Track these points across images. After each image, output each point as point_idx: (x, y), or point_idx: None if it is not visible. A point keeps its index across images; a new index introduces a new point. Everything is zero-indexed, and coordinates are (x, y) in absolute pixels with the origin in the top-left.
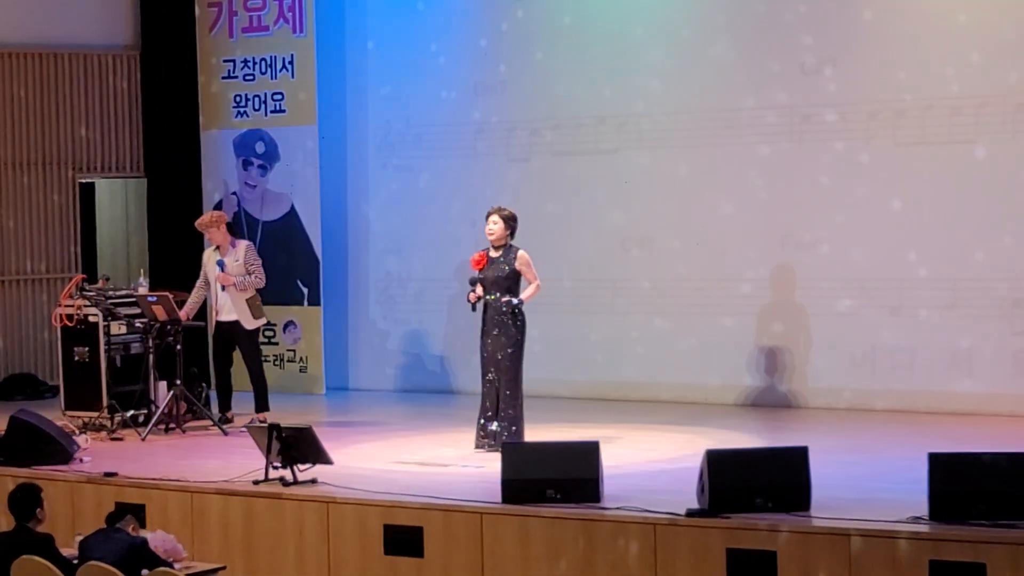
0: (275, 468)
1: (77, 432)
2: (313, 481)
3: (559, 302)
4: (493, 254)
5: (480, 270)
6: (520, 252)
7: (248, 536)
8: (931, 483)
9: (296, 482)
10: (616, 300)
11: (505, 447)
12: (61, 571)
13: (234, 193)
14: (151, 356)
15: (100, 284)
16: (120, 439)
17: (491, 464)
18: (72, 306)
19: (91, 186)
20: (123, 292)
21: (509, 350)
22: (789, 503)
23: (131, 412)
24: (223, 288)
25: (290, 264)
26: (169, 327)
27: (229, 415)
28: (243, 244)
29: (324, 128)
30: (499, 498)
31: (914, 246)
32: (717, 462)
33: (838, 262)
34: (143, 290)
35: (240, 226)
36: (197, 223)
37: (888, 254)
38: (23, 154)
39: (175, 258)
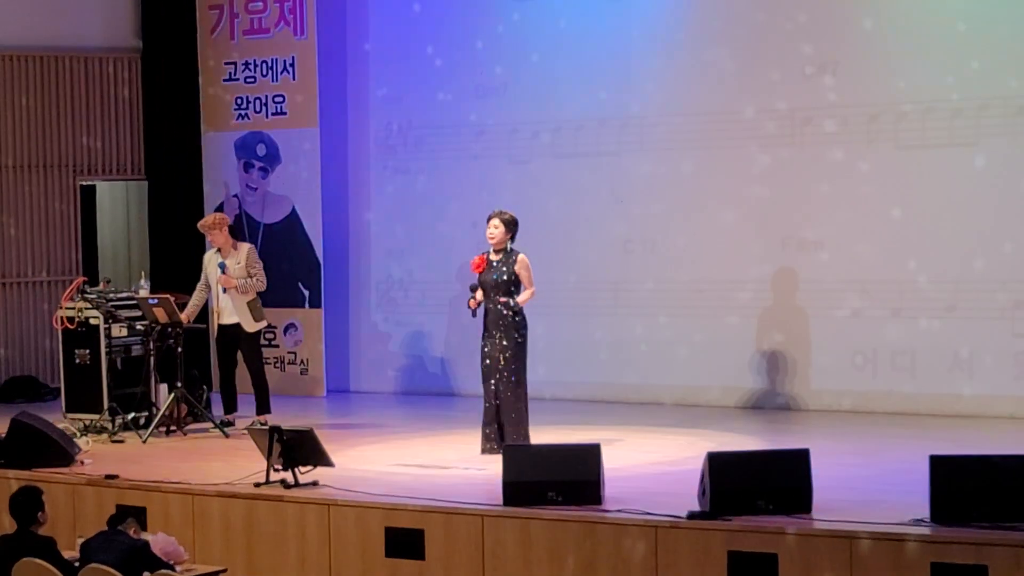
0: (276, 470)
1: (78, 434)
2: (314, 483)
3: (561, 304)
4: (493, 258)
5: (480, 273)
6: (520, 256)
7: (249, 538)
8: (933, 485)
9: (297, 484)
10: (617, 302)
11: (506, 449)
12: (62, 573)
13: (235, 195)
14: (152, 358)
15: (101, 287)
16: (121, 441)
17: (492, 466)
18: (73, 309)
19: (92, 189)
20: (124, 295)
21: (510, 353)
22: (790, 505)
23: (132, 414)
24: (224, 290)
25: (291, 267)
26: (170, 329)
27: (230, 418)
28: (245, 246)
29: (325, 131)
30: (500, 500)
31: (915, 249)
32: (718, 464)
33: (839, 265)
34: (144, 292)
35: (241, 228)
36: (199, 225)
37: (889, 256)
38: (24, 157)
39: (176, 261)
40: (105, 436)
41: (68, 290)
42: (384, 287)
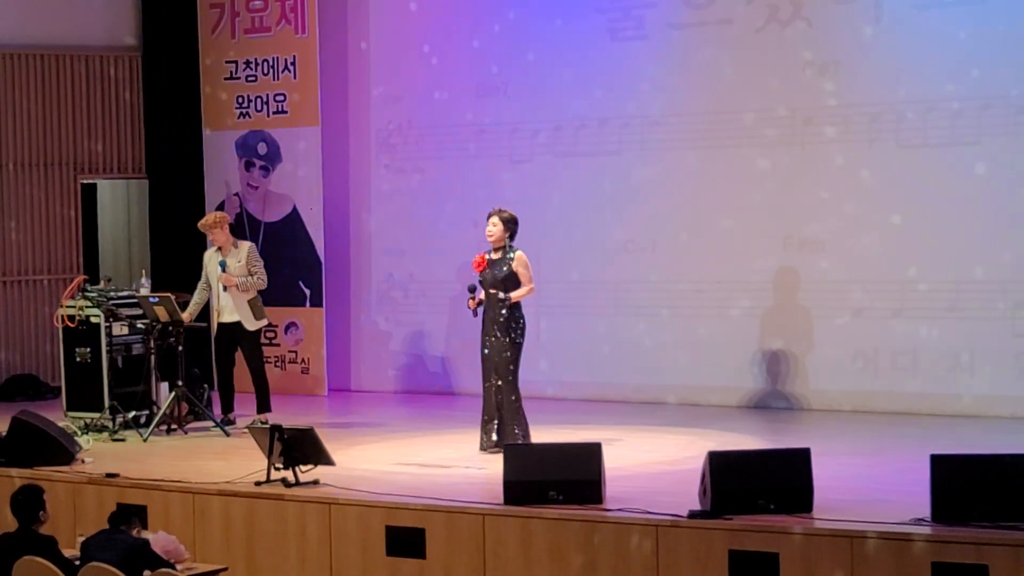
0: (277, 469)
1: (79, 433)
2: (315, 482)
3: (562, 304)
4: (493, 256)
5: (480, 272)
6: (518, 253)
7: (250, 537)
8: (933, 485)
9: (298, 483)
10: (618, 302)
11: (507, 448)
12: (63, 572)
13: (236, 194)
14: (153, 357)
15: (102, 285)
16: (122, 440)
17: (493, 465)
18: (74, 307)
19: (93, 187)
20: (125, 293)
21: (509, 352)
22: (791, 505)
23: (133, 413)
24: (225, 289)
25: (292, 265)
26: (171, 328)
27: (231, 416)
28: (245, 245)
29: (326, 129)
30: (501, 499)
31: (916, 250)
32: (719, 464)
33: (840, 265)
34: (145, 291)
35: (242, 227)
36: (200, 224)
37: (890, 256)
38: (25, 155)
39: (177, 259)
40: (106, 435)
41: (69, 288)
42: (385, 286)
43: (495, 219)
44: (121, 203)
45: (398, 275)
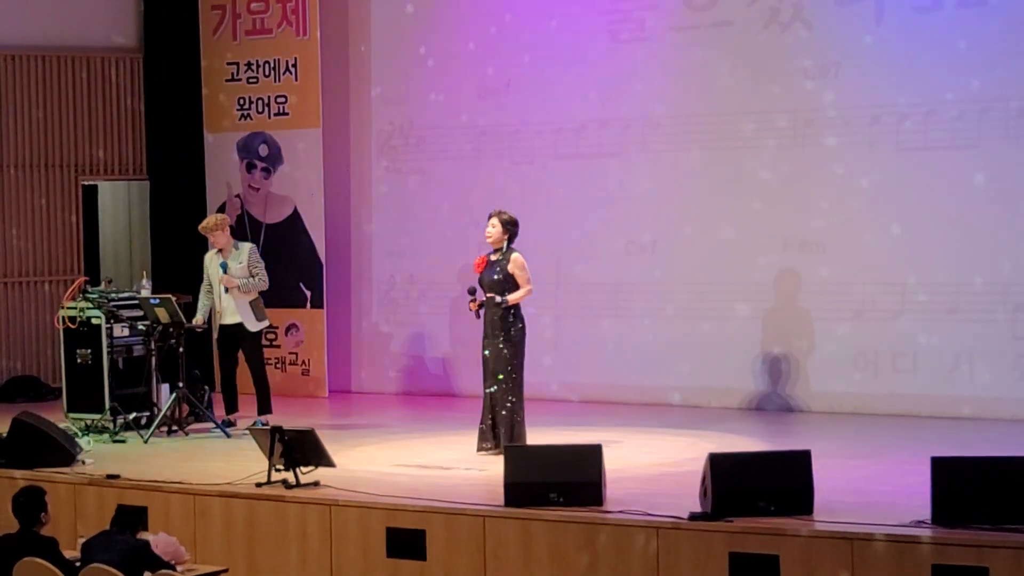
0: (278, 471)
1: (79, 434)
2: (316, 484)
3: (562, 306)
4: (493, 257)
5: (480, 273)
6: (515, 255)
7: (250, 538)
8: (934, 487)
9: (299, 485)
10: (619, 304)
11: (508, 450)
12: (63, 573)
13: (237, 196)
14: (153, 358)
15: (103, 286)
16: (123, 441)
17: (493, 467)
18: (75, 308)
19: (94, 188)
20: (126, 294)
21: (507, 353)
22: (792, 507)
23: (133, 414)
24: (227, 290)
25: (293, 267)
26: (171, 329)
27: (232, 418)
28: (247, 246)
29: (327, 131)
30: (502, 501)
31: (916, 252)
32: (720, 465)
33: (841, 266)
34: (146, 292)
35: (243, 229)
36: (200, 227)
37: (891, 258)
38: (26, 156)
39: (178, 260)
40: (106, 436)
41: (70, 290)
42: (385, 288)
43: (494, 220)
44: (122, 205)
45: (399, 277)
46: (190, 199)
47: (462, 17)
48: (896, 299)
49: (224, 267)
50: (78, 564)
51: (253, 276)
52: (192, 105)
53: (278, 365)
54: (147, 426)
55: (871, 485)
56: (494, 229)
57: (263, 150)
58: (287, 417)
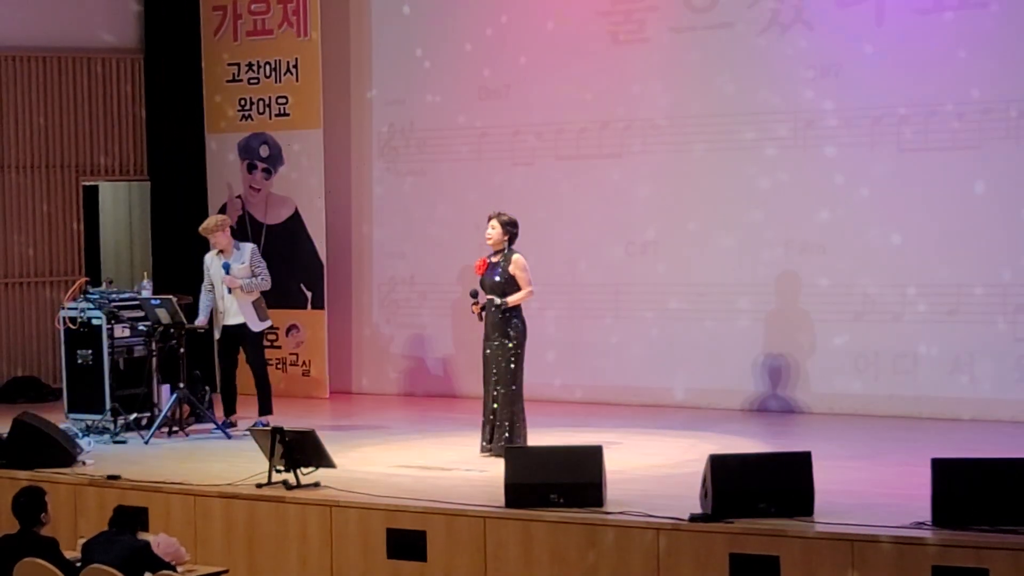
0: (278, 472)
1: (80, 435)
2: (316, 485)
3: (562, 307)
4: (493, 259)
5: (481, 275)
6: (515, 256)
7: (251, 539)
8: (934, 488)
9: (299, 485)
10: (619, 305)
11: (508, 451)
12: (64, 574)
13: (238, 196)
14: (154, 359)
15: (104, 287)
16: (123, 442)
17: (494, 468)
18: (76, 309)
19: (95, 189)
20: (126, 295)
21: (507, 354)
22: (792, 508)
23: (134, 415)
24: (229, 291)
25: (293, 268)
26: (172, 330)
27: (233, 419)
28: (248, 247)
29: (328, 132)
30: (502, 502)
31: (917, 253)
32: (720, 467)
33: (842, 268)
34: (147, 293)
35: (244, 230)
36: (201, 228)
37: (891, 260)
38: (27, 157)
39: (178, 261)
40: (107, 437)
41: (71, 291)
42: (386, 289)
43: (494, 222)
44: (123, 205)
45: (400, 278)
46: (191, 200)
47: (458, 18)
48: (896, 301)
49: (226, 268)
50: (78, 564)
51: (255, 276)
52: (193, 106)
53: (279, 366)
54: (148, 427)
55: (871, 487)
56: (494, 231)
57: (264, 151)
58: (288, 418)
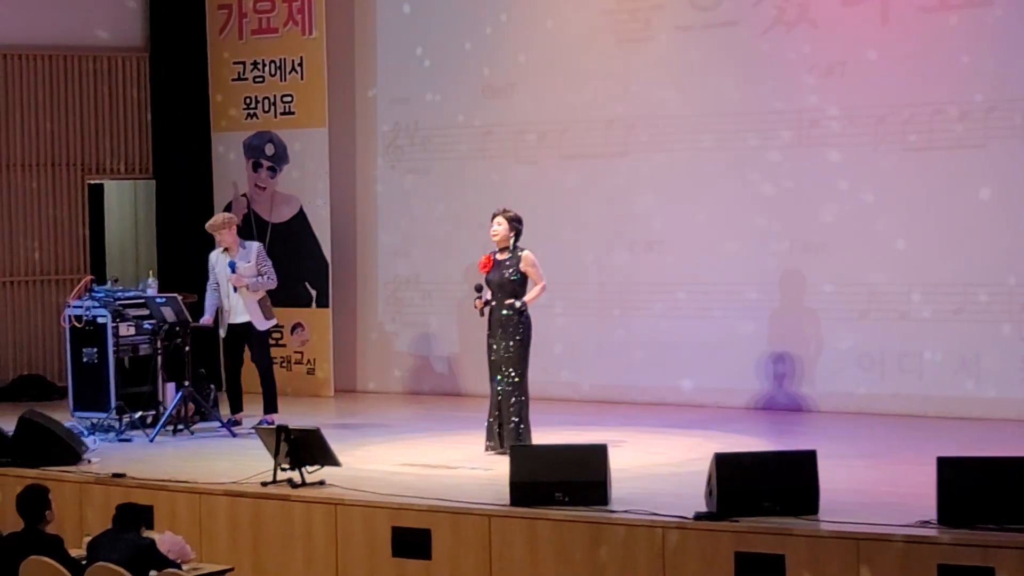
0: (283, 470)
1: (85, 433)
2: (321, 483)
3: (566, 305)
4: (499, 256)
5: (487, 273)
6: (525, 253)
7: (256, 538)
8: (940, 487)
9: (304, 484)
10: (624, 303)
11: (513, 450)
12: (69, 572)
13: (244, 195)
14: (159, 357)
15: (109, 285)
16: (128, 440)
17: (499, 466)
18: (81, 307)
19: (100, 188)
20: (132, 293)
21: (513, 353)
22: (798, 507)
23: (139, 413)
24: (235, 290)
25: (299, 266)
26: (177, 328)
27: (237, 417)
28: (254, 245)
29: (333, 130)
30: (507, 500)
31: (922, 250)
32: (726, 465)
33: (846, 266)
34: (152, 291)
35: (249, 228)
36: (207, 225)
37: (896, 257)
38: (32, 155)
39: (184, 259)
40: (112, 435)
41: (76, 289)
42: (392, 287)
43: (500, 219)
44: (128, 204)
45: (405, 276)
46: (196, 198)
47: (458, 17)
48: (902, 299)
49: (232, 266)
50: (84, 563)
51: (262, 275)
52: (198, 104)
53: (283, 364)
54: (153, 425)
55: (877, 485)
56: (500, 227)
57: (269, 149)
58: (293, 416)
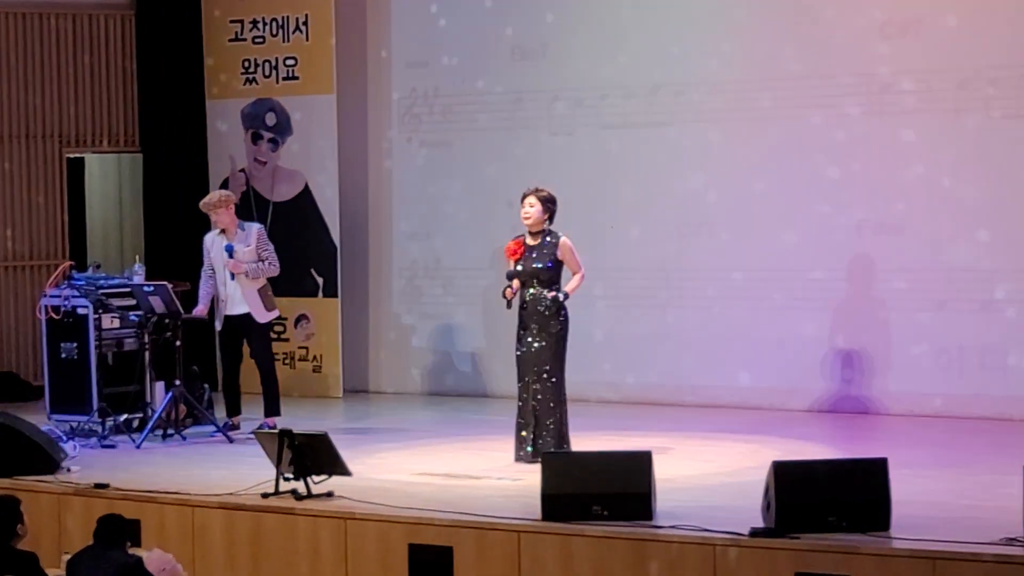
0: (287, 480)
1: (64, 438)
2: (329, 494)
3: (603, 296)
4: (531, 241)
5: (517, 260)
6: (562, 239)
7: (256, 556)
8: None
9: (310, 495)
10: (670, 293)
11: (545, 458)
12: None
13: (242, 170)
14: (147, 353)
15: (90, 272)
16: (112, 446)
17: (529, 477)
18: (59, 297)
19: (80, 162)
20: (116, 281)
21: (550, 351)
22: (866, 522)
23: (124, 416)
24: (232, 277)
25: (303, 251)
26: (167, 321)
27: (236, 420)
28: (254, 228)
29: (342, 98)
30: (538, 515)
31: (1008, 230)
32: (785, 475)
33: (922, 251)
34: (139, 279)
35: (248, 207)
36: (202, 204)
37: (976, 241)
38: (3, 126)
39: (174, 243)
40: (94, 440)
41: (53, 276)
42: (408, 274)
43: (532, 199)
44: (112, 180)
45: (423, 262)
46: (189, 174)
47: None
48: (984, 287)
49: (230, 250)
50: None
51: (262, 260)
52: (191, 68)
53: (286, 361)
54: (140, 429)
55: (955, 497)
56: (532, 208)
57: (270, 119)
58: (297, 420)
